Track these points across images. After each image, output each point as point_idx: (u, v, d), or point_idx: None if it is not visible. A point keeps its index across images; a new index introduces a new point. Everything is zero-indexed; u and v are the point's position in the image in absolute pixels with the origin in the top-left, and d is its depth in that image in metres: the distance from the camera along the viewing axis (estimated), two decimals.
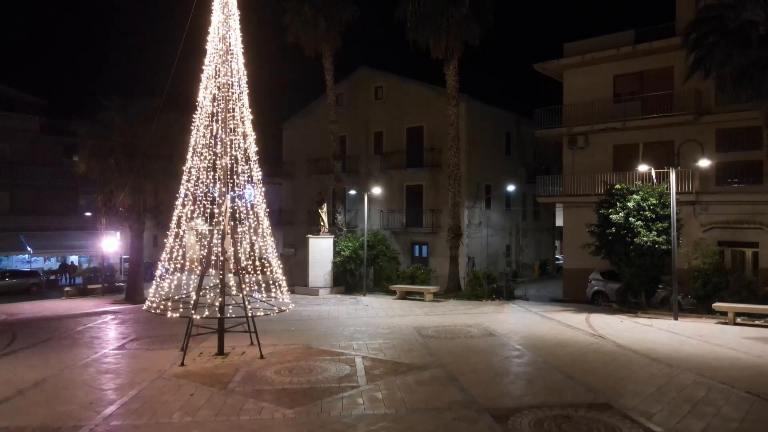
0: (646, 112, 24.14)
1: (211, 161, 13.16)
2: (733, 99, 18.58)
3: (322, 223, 25.81)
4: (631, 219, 17.37)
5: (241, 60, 13.24)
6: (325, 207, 26.07)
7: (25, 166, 37.32)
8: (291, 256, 38.32)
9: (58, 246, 37.63)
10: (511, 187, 32.27)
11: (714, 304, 15.92)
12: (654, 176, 18.23)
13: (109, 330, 17.54)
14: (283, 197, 39.83)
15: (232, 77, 13.12)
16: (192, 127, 13.51)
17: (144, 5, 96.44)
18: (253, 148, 13.45)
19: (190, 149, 13.30)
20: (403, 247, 32.66)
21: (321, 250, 25.55)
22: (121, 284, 30.23)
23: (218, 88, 13.01)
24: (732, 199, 22.14)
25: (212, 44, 13.04)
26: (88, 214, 38.41)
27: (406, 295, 22.79)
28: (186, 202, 12.97)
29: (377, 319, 17.77)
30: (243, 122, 13.34)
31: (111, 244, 29.75)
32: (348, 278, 26.08)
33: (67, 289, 29.01)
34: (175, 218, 13.31)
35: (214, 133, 13.18)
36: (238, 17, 13.08)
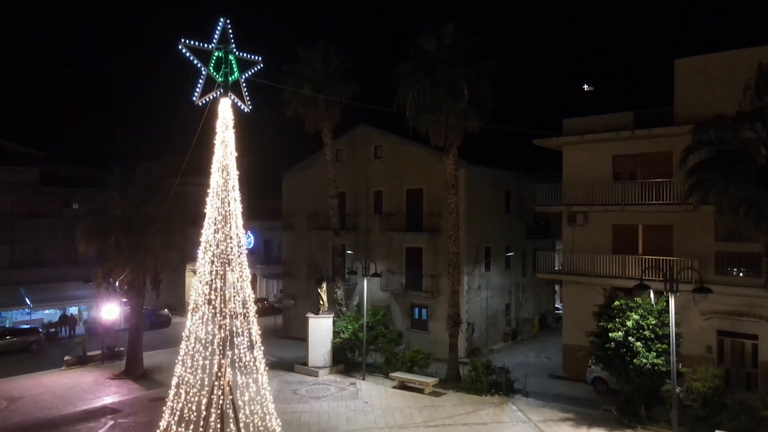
0: (645, 195, 24.11)
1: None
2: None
3: (321, 302, 25.85)
4: (630, 338, 17.40)
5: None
6: (324, 286, 26.10)
7: (25, 219, 37.40)
8: (291, 307, 38.46)
9: (58, 298, 37.57)
10: (510, 253, 32.26)
11: None
12: (653, 297, 18.23)
13: None
14: (283, 248, 39.92)
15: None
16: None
17: (134, 54, 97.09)
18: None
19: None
20: (403, 309, 32.68)
21: (320, 329, 25.59)
22: (121, 350, 30.23)
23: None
24: (731, 291, 22.11)
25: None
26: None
27: (405, 384, 22.81)
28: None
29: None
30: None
31: (111, 312, 29.79)
32: (348, 354, 26.14)
33: (66, 358, 28.98)
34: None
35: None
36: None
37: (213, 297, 13.15)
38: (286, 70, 26.20)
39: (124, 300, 28.45)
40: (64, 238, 38.95)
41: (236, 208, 13.15)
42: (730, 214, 15.79)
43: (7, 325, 36.05)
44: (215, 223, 12.68)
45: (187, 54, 12.11)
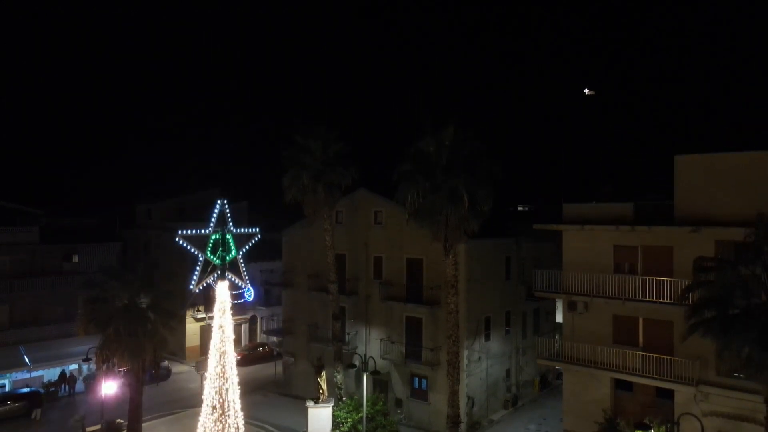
0: (645, 290, 24.01)
1: None
2: None
3: (321, 391, 25.87)
4: None
5: None
6: (324, 375, 26.08)
7: (25, 279, 37.39)
8: (291, 365, 38.50)
9: (57, 356, 37.58)
10: (508, 327, 32.20)
11: None
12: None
13: None
14: (283, 306, 39.92)
15: None
16: None
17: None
18: None
19: None
20: (403, 377, 32.67)
21: (320, 419, 25.63)
22: (120, 422, 30.25)
23: None
24: (731, 395, 22.07)
25: None
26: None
27: None
28: None
29: None
30: None
31: (110, 388, 29.82)
32: None
33: None
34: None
35: None
36: None
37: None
38: (286, 155, 26.12)
39: (124, 383, 28.44)
40: (64, 294, 39.09)
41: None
42: (729, 360, 15.78)
43: (6, 387, 36.11)
44: (213, 412, 12.59)
45: (185, 244, 12.02)
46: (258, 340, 49.17)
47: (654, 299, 23.55)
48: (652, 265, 24.49)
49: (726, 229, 22.09)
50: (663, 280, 23.36)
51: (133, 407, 27.55)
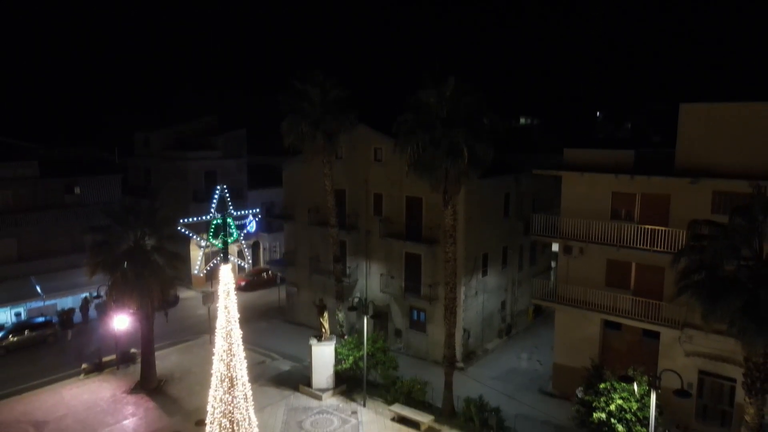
0: (641, 238, 24.45)
1: None
2: None
3: (324, 330, 27.01)
4: (612, 420, 18.64)
5: None
6: (326, 315, 27.11)
7: (29, 213, 37.84)
8: (294, 294, 39.86)
9: (69, 285, 38.82)
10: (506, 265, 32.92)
11: None
12: (636, 389, 19.16)
13: None
14: (285, 239, 40.67)
15: None
16: None
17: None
18: None
19: None
20: (402, 310, 33.96)
21: (323, 355, 26.95)
22: (134, 351, 31.86)
23: None
24: (714, 338, 23.10)
25: None
26: None
27: (402, 418, 24.46)
28: None
29: None
30: None
31: (122, 322, 31.12)
32: (351, 374, 27.70)
33: (84, 365, 30.65)
34: None
35: None
36: None
37: None
38: (284, 100, 25.58)
39: (136, 320, 29.65)
40: (69, 227, 39.74)
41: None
42: (715, 322, 16.48)
43: (22, 316, 37.65)
44: (222, 383, 13.39)
45: (188, 232, 12.27)
46: (261, 266, 50.43)
47: (648, 247, 24.06)
48: (648, 212, 24.79)
49: (724, 181, 22.24)
50: (658, 229, 23.75)
51: (145, 342, 28.92)
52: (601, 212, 25.93)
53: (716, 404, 24.32)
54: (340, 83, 26.45)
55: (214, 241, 12.68)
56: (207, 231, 12.62)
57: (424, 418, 24.00)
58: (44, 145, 40.68)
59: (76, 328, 37.65)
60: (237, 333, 13.39)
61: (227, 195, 12.69)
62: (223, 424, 13.50)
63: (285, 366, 31.42)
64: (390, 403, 25.41)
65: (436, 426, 24.08)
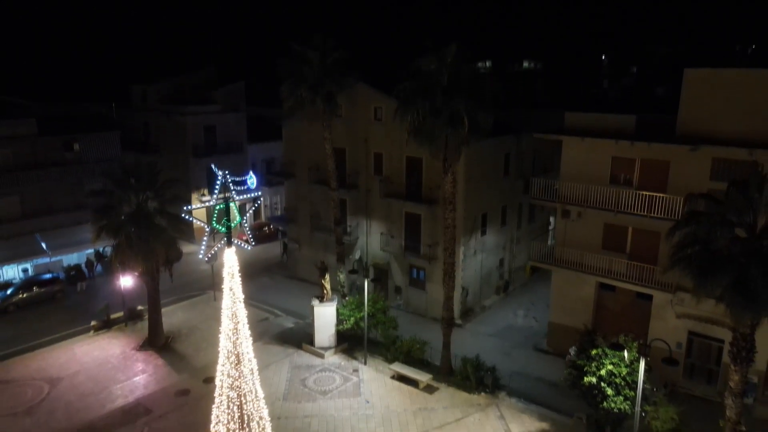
0: (638, 204, 24.67)
1: None
2: None
3: (325, 291, 27.68)
4: (602, 383, 19.45)
5: None
6: (327, 277, 27.69)
7: (30, 171, 37.90)
8: (296, 250, 40.51)
9: (74, 242, 39.38)
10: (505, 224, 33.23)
11: None
12: (627, 355, 19.78)
13: None
14: (285, 196, 40.89)
15: None
16: None
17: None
18: None
19: None
20: (402, 268, 34.60)
21: (325, 316, 27.73)
22: (141, 309, 32.73)
23: None
24: (704, 301, 23.70)
25: None
26: None
27: (402, 376, 25.47)
28: None
29: None
30: None
31: (128, 281, 31.85)
32: (352, 333, 28.58)
33: (93, 323, 31.57)
34: None
35: None
36: None
37: None
38: (283, 64, 25.19)
39: (141, 281, 30.28)
40: (71, 184, 39.89)
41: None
42: (706, 296, 16.96)
43: (30, 272, 38.42)
44: (228, 359, 13.98)
45: (192, 219, 12.51)
46: (263, 220, 50.87)
47: (645, 213, 24.33)
48: (647, 178, 24.91)
49: (724, 149, 22.27)
50: (655, 196, 23.96)
51: (152, 302, 29.69)
52: (601, 177, 26.05)
53: (704, 364, 25.25)
54: (340, 45, 26.00)
55: (218, 227, 12.94)
56: (210, 218, 12.87)
57: (423, 377, 24.99)
58: (41, 102, 40.20)
59: (86, 282, 38.59)
60: (242, 313, 13.91)
61: (229, 179, 12.85)
62: (230, 397, 14.24)
63: (288, 323, 32.35)
64: (390, 361, 26.38)
65: (434, 384, 25.10)
